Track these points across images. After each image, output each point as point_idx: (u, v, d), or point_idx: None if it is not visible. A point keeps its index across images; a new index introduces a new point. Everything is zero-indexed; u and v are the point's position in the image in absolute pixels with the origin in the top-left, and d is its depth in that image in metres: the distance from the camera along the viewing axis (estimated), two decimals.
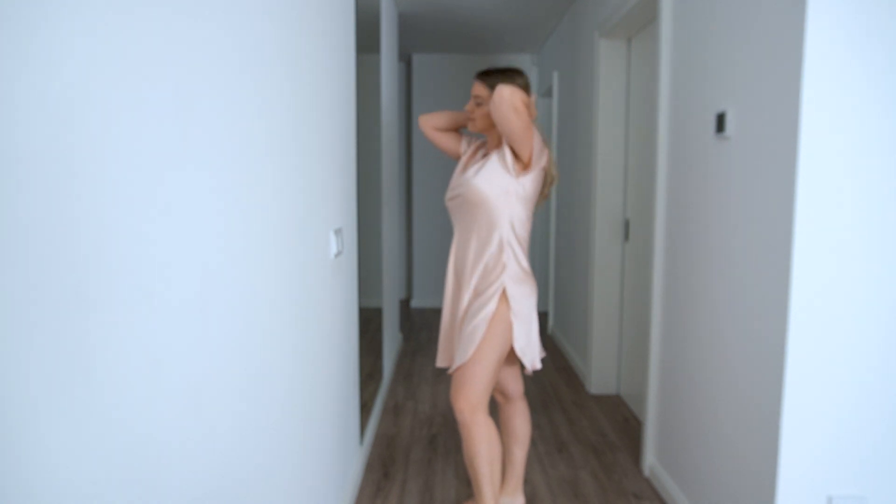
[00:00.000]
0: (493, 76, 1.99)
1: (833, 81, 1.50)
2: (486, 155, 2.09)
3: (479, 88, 2.02)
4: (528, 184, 1.96)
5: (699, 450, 2.10)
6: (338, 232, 2.02)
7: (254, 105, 1.20)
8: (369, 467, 2.65)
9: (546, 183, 2.04)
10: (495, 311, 1.93)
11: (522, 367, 2.11)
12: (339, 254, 2.04)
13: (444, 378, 3.86)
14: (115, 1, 0.71)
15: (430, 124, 2.20)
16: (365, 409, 2.75)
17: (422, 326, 5.30)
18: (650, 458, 2.55)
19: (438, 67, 5.86)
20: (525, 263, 2.00)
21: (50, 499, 0.61)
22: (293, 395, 1.50)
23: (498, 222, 1.96)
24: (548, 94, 5.25)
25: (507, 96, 1.82)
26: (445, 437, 2.96)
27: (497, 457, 1.98)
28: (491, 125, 2.03)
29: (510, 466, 2.22)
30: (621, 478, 2.56)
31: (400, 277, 5.88)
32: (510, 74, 1.98)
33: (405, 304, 6.18)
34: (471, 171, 2.01)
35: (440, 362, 2.18)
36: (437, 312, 5.68)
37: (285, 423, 1.43)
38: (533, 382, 3.82)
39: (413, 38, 5.11)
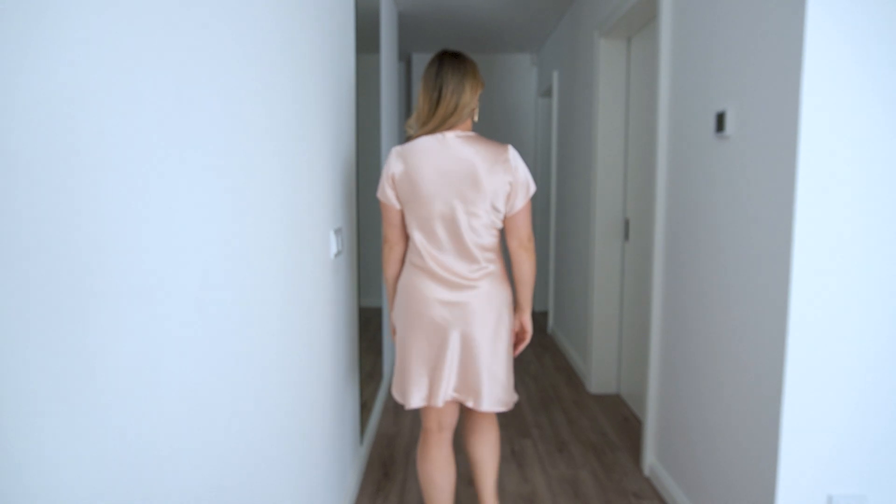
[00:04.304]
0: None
1: (833, 80, 1.50)
2: None
3: None
4: None
5: (699, 449, 2.10)
6: (338, 232, 2.02)
7: (255, 105, 1.20)
8: (369, 467, 2.65)
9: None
10: None
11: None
12: (339, 254, 2.04)
13: None
14: None
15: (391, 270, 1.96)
16: (365, 408, 2.75)
17: None
18: (650, 458, 2.55)
19: None
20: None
21: (49, 500, 0.61)
22: (293, 394, 1.50)
23: None
24: (548, 94, 5.25)
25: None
26: None
27: None
28: None
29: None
30: (621, 477, 2.56)
31: None
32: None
33: None
34: None
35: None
36: None
37: (285, 423, 1.44)
38: (533, 382, 3.82)
39: (413, 38, 5.10)
